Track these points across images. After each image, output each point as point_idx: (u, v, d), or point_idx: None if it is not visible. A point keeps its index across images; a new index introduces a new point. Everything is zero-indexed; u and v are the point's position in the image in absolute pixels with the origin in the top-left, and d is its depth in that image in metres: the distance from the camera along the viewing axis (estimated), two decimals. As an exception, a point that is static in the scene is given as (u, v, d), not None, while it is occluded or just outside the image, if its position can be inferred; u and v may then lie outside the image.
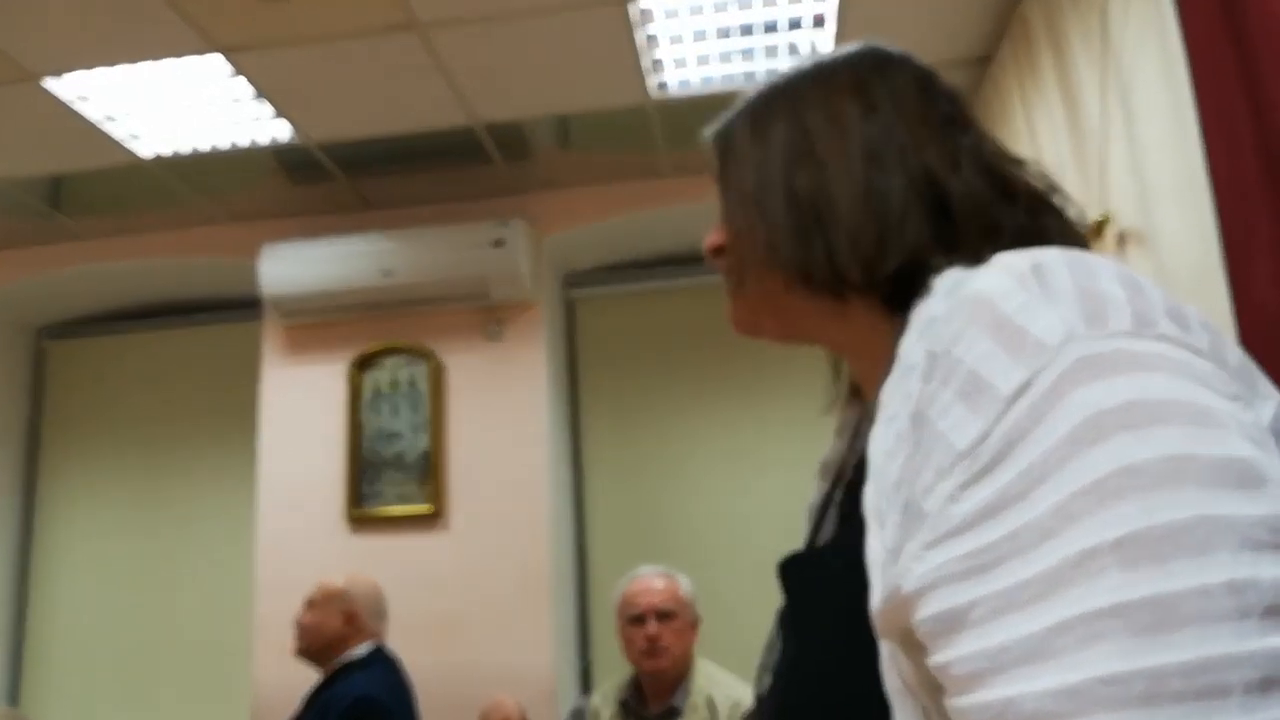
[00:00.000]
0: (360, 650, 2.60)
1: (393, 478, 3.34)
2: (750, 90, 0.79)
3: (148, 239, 3.66)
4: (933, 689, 0.50)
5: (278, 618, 3.06)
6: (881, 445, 0.55)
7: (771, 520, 3.46)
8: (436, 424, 3.34)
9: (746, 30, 2.64)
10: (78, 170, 3.17)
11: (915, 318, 0.58)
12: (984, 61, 2.77)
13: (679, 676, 2.42)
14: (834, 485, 0.83)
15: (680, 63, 2.76)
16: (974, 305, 0.51)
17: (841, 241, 0.66)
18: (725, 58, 2.75)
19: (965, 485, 0.47)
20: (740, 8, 2.55)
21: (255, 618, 3.30)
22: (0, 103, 2.74)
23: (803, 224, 0.68)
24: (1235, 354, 0.52)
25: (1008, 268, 0.53)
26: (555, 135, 3.19)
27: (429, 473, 3.31)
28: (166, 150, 3.08)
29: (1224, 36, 1.57)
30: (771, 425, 3.56)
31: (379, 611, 2.71)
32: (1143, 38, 1.98)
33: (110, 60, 2.60)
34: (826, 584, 0.66)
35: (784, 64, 2.81)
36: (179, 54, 2.59)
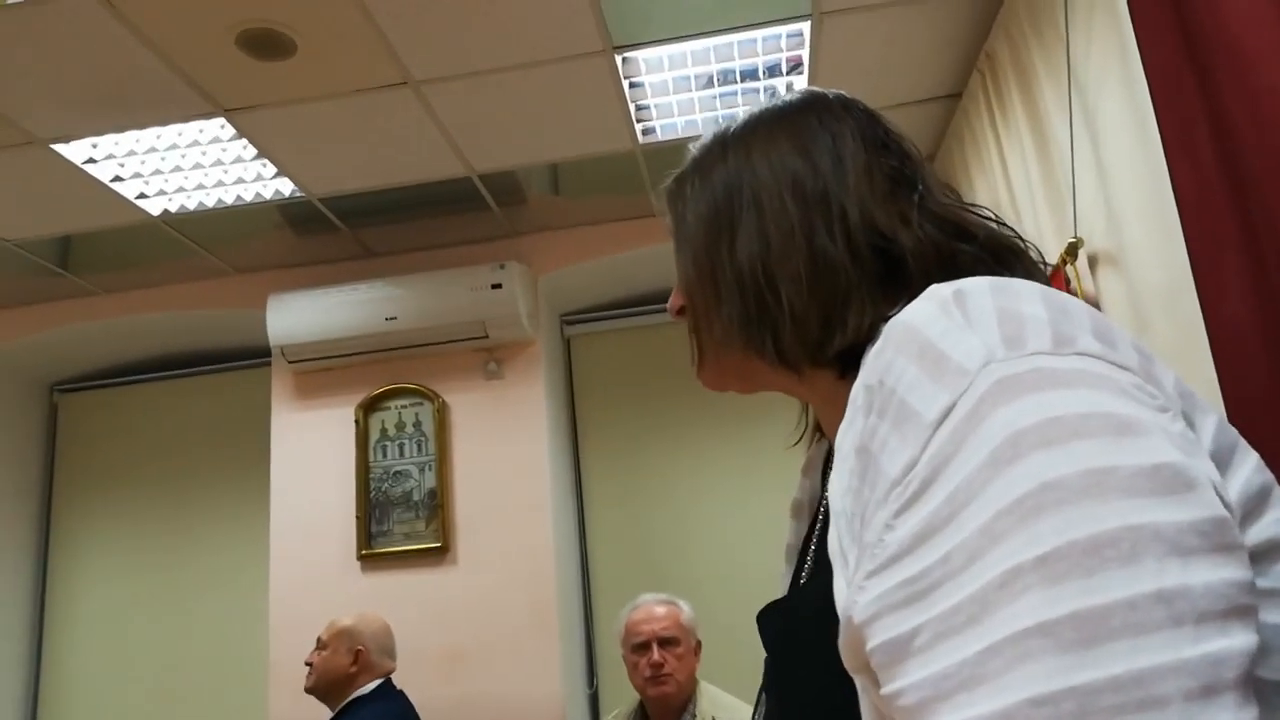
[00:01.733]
0: (368, 688, 2.67)
1: (401, 516, 3.42)
2: (699, 143, 0.78)
3: (156, 293, 3.77)
4: None
5: (292, 657, 3.13)
6: (838, 486, 0.55)
7: (768, 546, 3.52)
8: (442, 462, 3.44)
9: (726, 77, 2.76)
10: (88, 230, 3.28)
11: (864, 363, 0.59)
12: (955, 98, 2.89)
13: (684, 701, 2.48)
14: (810, 527, 0.82)
15: (664, 110, 2.88)
16: (899, 334, 0.52)
17: (786, 331, 0.67)
18: (707, 104, 2.87)
19: (899, 513, 0.47)
20: (719, 59, 2.67)
21: (270, 658, 3.37)
22: (11, 167, 2.85)
23: (750, 309, 0.68)
24: (1171, 378, 0.52)
25: (932, 295, 0.54)
26: (548, 181, 3.31)
27: (436, 510, 3.40)
28: (174, 208, 3.19)
29: (1183, 61, 1.62)
30: (765, 451, 3.64)
31: (387, 649, 2.78)
32: (1105, 67, 2.07)
33: (118, 126, 2.72)
34: (801, 632, 0.65)
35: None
36: (184, 119, 2.71)
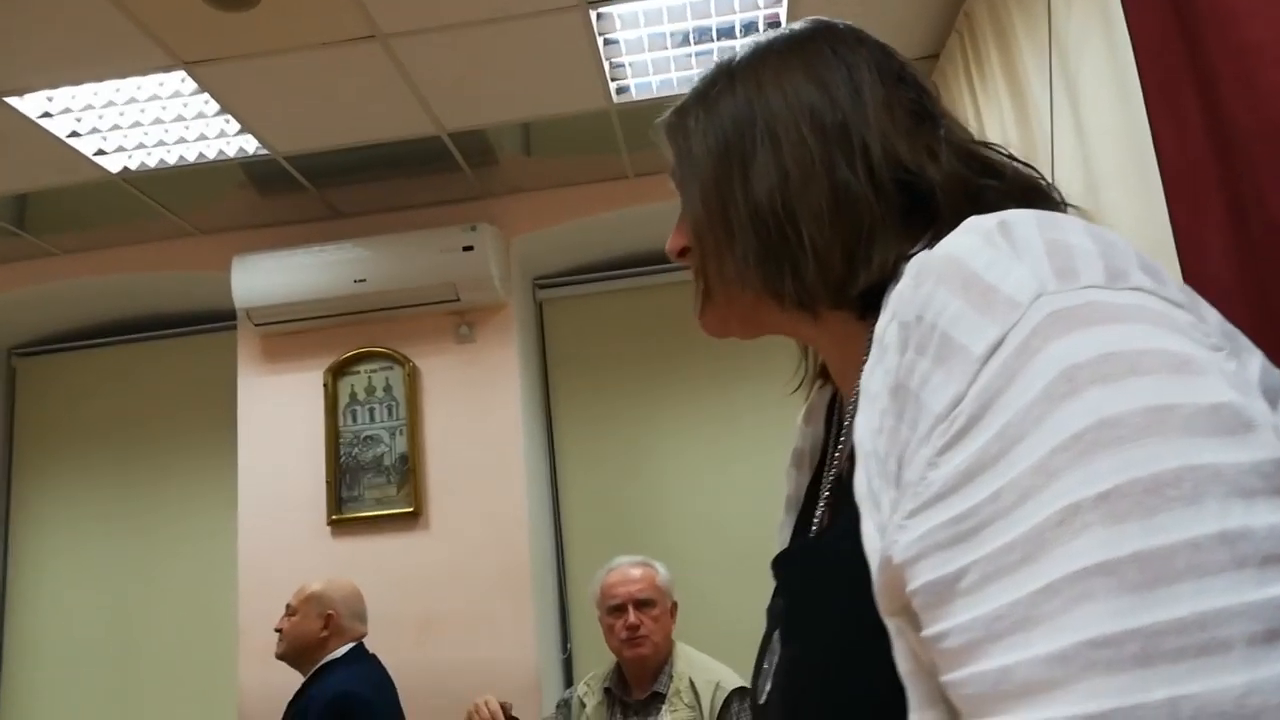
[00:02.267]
0: (340, 652, 2.66)
1: (372, 481, 3.38)
2: (701, 76, 0.75)
3: (117, 254, 3.68)
4: None
5: (261, 624, 3.10)
6: (867, 428, 0.53)
7: (742, 507, 3.55)
8: (413, 426, 3.39)
9: (702, 35, 2.71)
10: (45, 187, 3.19)
11: (887, 302, 0.57)
12: (932, 59, 2.86)
13: (661, 662, 2.49)
14: (814, 475, 0.80)
15: (639, 68, 2.83)
16: (942, 267, 0.50)
17: (809, 266, 0.64)
18: (682, 62, 2.82)
19: (943, 450, 0.46)
20: (695, 15, 2.62)
21: (239, 624, 3.33)
22: (-35, 123, 2.76)
23: (768, 246, 0.65)
24: (1213, 313, 0.50)
25: (974, 228, 0.51)
26: (520, 141, 3.24)
27: (407, 475, 3.36)
28: (134, 165, 3.10)
29: (1168, 18, 1.59)
30: (739, 415, 3.65)
31: (358, 612, 2.76)
32: (1087, 26, 2.05)
33: (76, 79, 2.62)
34: (825, 577, 0.62)
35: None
36: (144, 71, 2.62)
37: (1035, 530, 0.41)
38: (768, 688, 0.68)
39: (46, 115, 2.78)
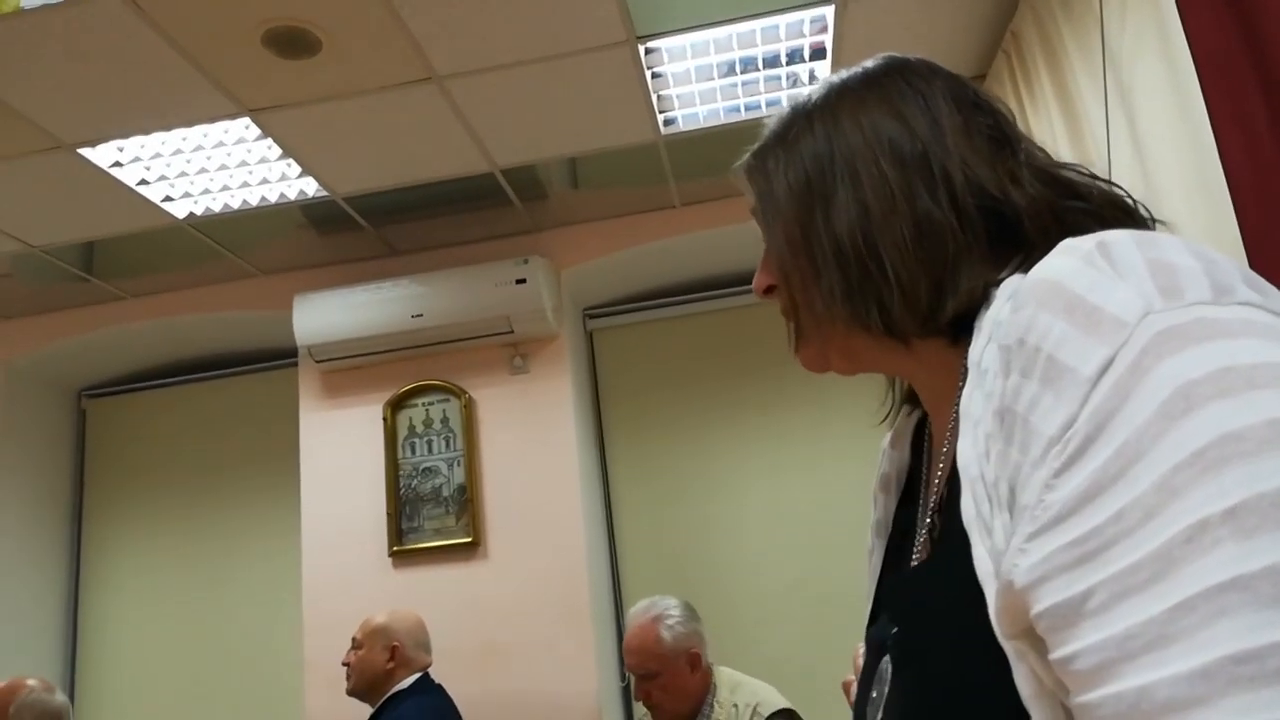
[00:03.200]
0: (406, 682, 2.69)
1: (431, 512, 3.43)
2: (776, 117, 0.76)
3: (182, 297, 3.79)
4: None
5: (328, 656, 3.14)
6: (972, 453, 0.54)
7: (797, 536, 3.54)
8: (470, 457, 3.44)
9: (749, 65, 2.75)
10: (115, 234, 3.30)
11: (980, 327, 0.58)
12: (978, 79, 2.87)
13: (694, 706, 2.46)
14: (901, 501, 0.80)
15: (686, 100, 2.87)
16: (1042, 290, 0.50)
17: (895, 299, 0.65)
18: (729, 92, 2.86)
19: (1059, 472, 0.46)
20: (741, 45, 2.66)
21: (305, 657, 3.38)
22: (37, 172, 2.86)
23: (853, 281, 0.66)
24: None
25: (1072, 249, 0.51)
26: (569, 175, 3.30)
27: (466, 505, 3.41)
28: (199, 210, 3.20)
29: (1230, 26, 1.58)
30: (793, 441, 3.64)
31: (422, 643, 2.79)
32: (1141, 37, 2.03)
33: (144, 128, 2.73)
34: (939, 603, 0.62)
35: (786, 95, 2.89)
36: (210, 119, 2.72)
37: (1163, 548, 0.41)
38: (879, 716, 0.67)
39: (117, 165, 2.89)
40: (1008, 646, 0.50)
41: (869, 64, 0.74)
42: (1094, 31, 2.23)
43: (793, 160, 0.72)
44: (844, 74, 0.74)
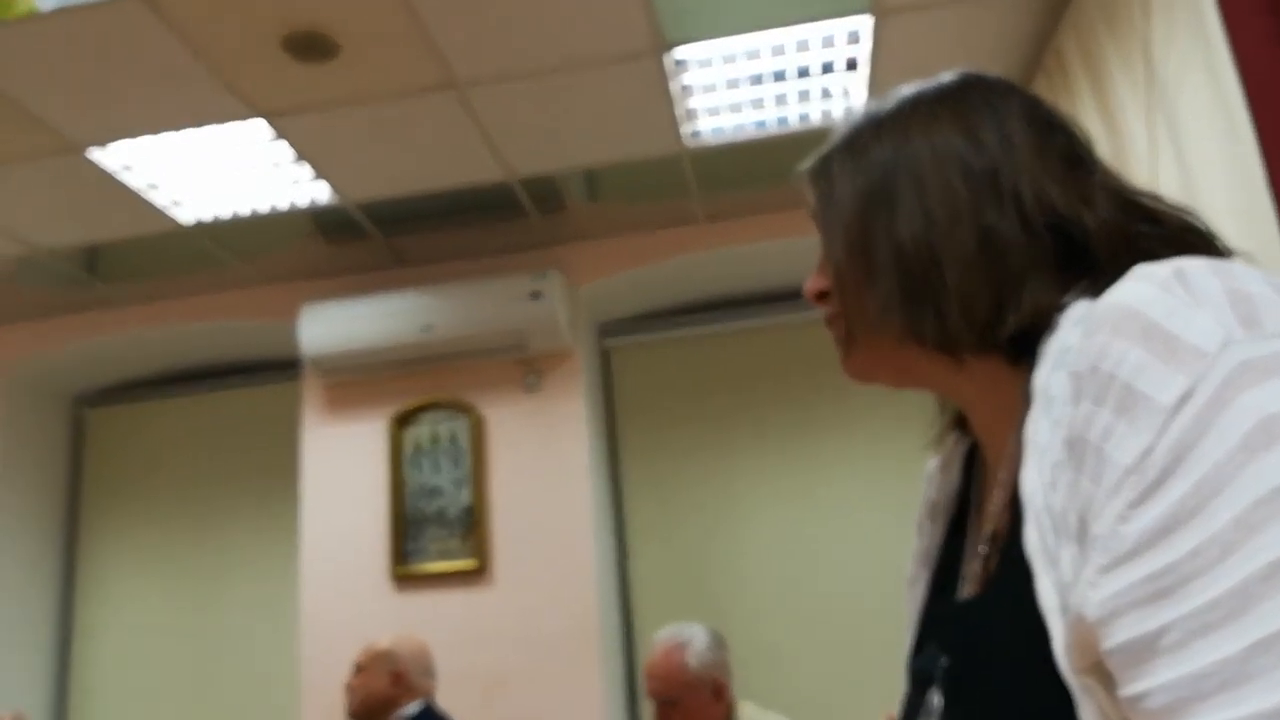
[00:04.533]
0: (410, 709, 2.60)
1: (436, 534, 3.32)
2: (846, 123, 0.75)
3: (186, 304, 3.70)
4: None
5: (325, 680, 3.03)
6: (1038, 481, 0.53)
7: (819, 566, 3.42)
8: (478, 478, 3.33)
9: (779, 76, 2.67)
10: (120, 238, 3.22)
11: (1046, 352, 0.57)
12: (1017, 97, 2.79)
13: None
14: (951, 529, 0.78)
15: (714, 111, 2.79)
16: (1118, 316, 0.49)
17: (953, 309, 0.64)
18: (758, 104, 2.77)
19: (1135, 504, 0.45)
20: (773, 54, 2.58)
21: (302, 680, 3.26)
22: (45, 174, 2.79)
23: (911, 289, 0.66)
24: None
25: (1148, 276, 0.50)
26: (588, 187, 3.21)
27: (472, 527, 3.29)
28: (207, 216, 3.12)
29: (1276, 43, 1.55)
30: (818, 469, 3.53)
31: (427, 669, 2.69)
32: (1188, 60, 1.98)
33: (154, 129, 2.65)
34: (997, 635, 0.60)
35: (817, 109, 2.80)
36: (222, 120, 2.64)
37: (1240, 586, 0.41)
38: None
39: (126, 168, 2.81)
40: (1074, 682, 0.49)
41: (944, 78, 0.73)
42: (1138, 51, 2.17)
43: (859, 166, 0.71)
44: (917, 86, 0.73)
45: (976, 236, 0.63)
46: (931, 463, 0.82)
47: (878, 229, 0.68)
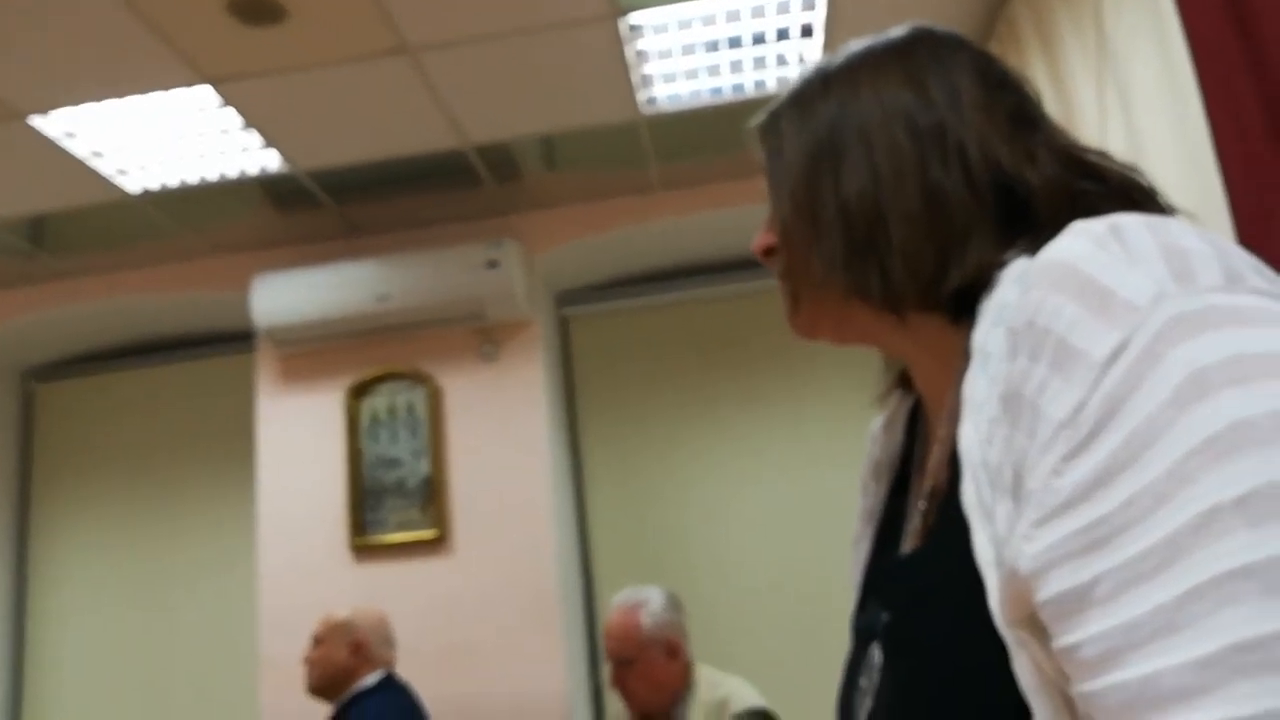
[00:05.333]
0: (370, 680, 2.59)
1: (395, 504, 3.31)
2: (796, 79, 0.75)
3: (136, 275, 3.63)
4: None
5: (284, 653, 3.02)
6: (975, 437, 0.53)
7: (772, 529, 3.47)
8: (437, 448, 3.32)
9: (735, 43, 2.66)
10: (65, 208, 3.14)
11: (984, 310, 0.57)
12: (970, 65, 2.80)
13: (666, 702, 2.38)
14: (894, 487, 0.78)
15: (669, 77, 2.78)
16: (1054, 272, 0.50)
17: (897, 266, 0.64)
18: (714, 71, 2.76)
19: (1068, 457, 0.45)
20: (728, 20, 2.57)
21: (261, 654, 3.25)
22: (-15, 142, 2.71)
23: (855, 245, 0.66)
24: None
25: (1084, 231, 0.51)
26: (544, 155, 3.19)
27: (431, 498, 3.29)
28: (154, 185, 3.05)
29: (1224, 12, 1.56)
30: (769, 435, 3.57)
31: (386, 639, 2.68)
32: (1137, 27, 2.00)
33: (98, 95, 2.58)
34: (936, 591, 0.61)
35: (773, 75, 2.81)
36: (168, 87, 2.58)
37: (1172, 536, 0.41)
38: (869, 705, 0.66)
39: (69, 135, 2.74)
40: (1008, 635, 0.50)
41: (895, 33, 0.72)
42: (1089, 19, 2.19)
43: (806, 122, 0.71)
44: (868, 42, 0.73)
45: (921, 193, 0.64)
46: (875, 422, 0.82)
47: (824, 185, 0.68)
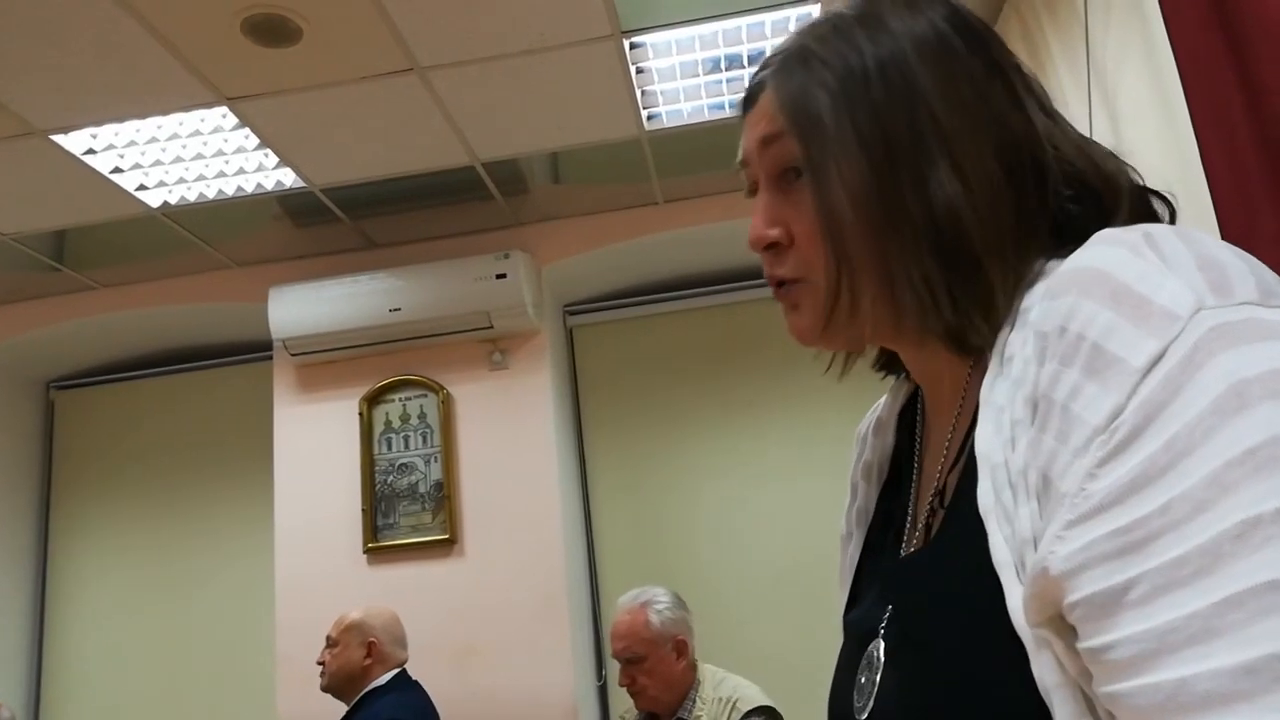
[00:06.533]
0: (383, 678, 2.66)
1: (407, 509, 3.40)
2: (834, 39, 0.65)
3: (155, 288, 3.73)
4: None
5: (300, 654, 3.10)
6: (995, 440, 0.53)
7: (774, 531, 3.54)
8: (447, 454, 3.41)
9: (733, 62, 2.74)
10: (86, 223, 3.24)
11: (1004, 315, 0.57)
12: (963, 80, 2.87)
13: (676, 699, 2.45)
14: (885, 488, 0.78)
15: (671, 96, 2.86)
16: (1086, 278, 0.49)
17: (975, 304, 0.59)
18: (714, 89, 2.85)
19: (1104, 461, 0.45)
20: (727, 43, 2.65)
21: (277, 654, 3.34)
22: (9, 158, 2.80)
23: (938, 268, 0.60)
24: None
25: (1116, 239, 0.50)
26: (551, 170, 3.28)
27: (442, 502, 3.38)
28: (174, 200, 3.15)
29: (1212, 28, 1.58)
30: (769, 439, 3.64)
31: (398, 639, 2.76)
32: (1126, 42, 2.04)
33: (119, 115, 2.68)
34: (946, 590, 0.60)
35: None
36: (186, 107, 2.67)
37: (1211, 543, 0.41)
38: (870, 705, 0.65)
39: (90, 152, 2.84)
40: (1029, 634, 0.49)
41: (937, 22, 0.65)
42: (1078, 33, 2.24)
43: (864, 101, 0.62)
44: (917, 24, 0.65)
45: (1014, 211, 0.59)
46: (863, 425, 0.82)
47: (901, 186, 0.60)
